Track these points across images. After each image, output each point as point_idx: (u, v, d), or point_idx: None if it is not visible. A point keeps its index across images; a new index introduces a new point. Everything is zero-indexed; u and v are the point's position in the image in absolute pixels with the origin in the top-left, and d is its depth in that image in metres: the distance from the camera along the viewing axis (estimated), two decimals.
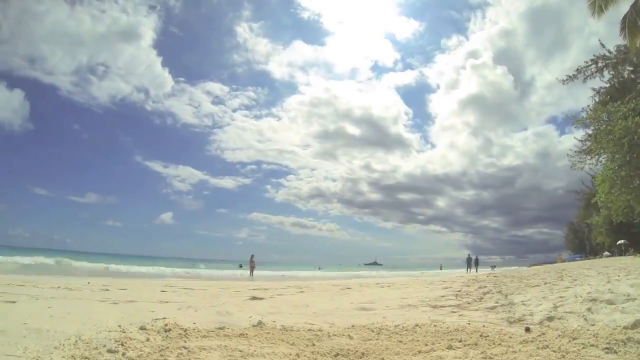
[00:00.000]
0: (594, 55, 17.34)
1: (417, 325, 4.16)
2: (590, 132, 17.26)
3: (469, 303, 5.60)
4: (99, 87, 72.49)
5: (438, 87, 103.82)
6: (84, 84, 73.61)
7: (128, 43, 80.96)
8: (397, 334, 3.76)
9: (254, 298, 7.17)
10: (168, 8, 78.32)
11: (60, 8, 67.93)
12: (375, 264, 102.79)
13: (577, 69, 17.55)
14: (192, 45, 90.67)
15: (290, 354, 2.95)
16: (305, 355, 2.94)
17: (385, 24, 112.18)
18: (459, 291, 7.08)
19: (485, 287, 7.27)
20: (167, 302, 6.05)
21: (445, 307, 5.48)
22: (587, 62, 17.51)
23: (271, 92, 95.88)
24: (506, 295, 5.76)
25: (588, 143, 17.70)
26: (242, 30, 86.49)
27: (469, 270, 30.04)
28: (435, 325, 4.09)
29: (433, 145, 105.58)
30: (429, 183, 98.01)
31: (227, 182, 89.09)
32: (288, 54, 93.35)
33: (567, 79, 17.89)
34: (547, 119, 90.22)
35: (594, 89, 17.90)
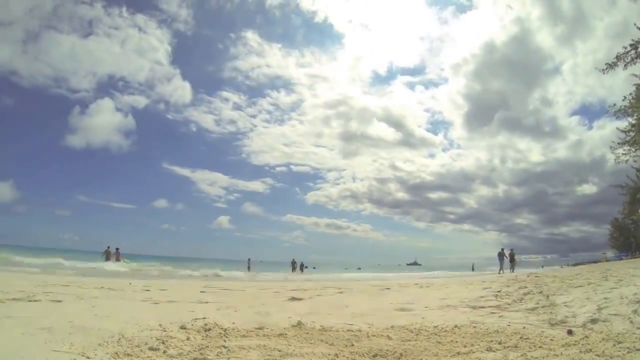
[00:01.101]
0: (633, 40, 16.15)
1: (456, 326, 4.12)
2: (633, 121, 16.17)
3: (508, 304, 5.46)
4: (121, 101, 75.85)
5: (457, 81, 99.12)
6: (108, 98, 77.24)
7: (144, 58, 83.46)
8: (436, 334, 3.75)
9: (293, 299, 7.28)
10: (178, 21, 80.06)
11: (76, 33, 71.64)
12: (415, 264, 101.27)
13: (617, 56, 16.37)
14: (206, 56, 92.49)
15: (329, 354, 2.97)
16: (344, 356, 2.96)
17: (396, 19, 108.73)
18: (498, 291, 6.91)
19: (526, 287, 7.04)
20: (206, 303, 6.19)
21: (484, 307, 5.37)
22: (626, 48, 16.33)
23: (289, 95, 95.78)
24: (547, 296, 5.58)
25: (632, 134, 16.57)
26: (253, 36, 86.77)
27: (502, 271, 23.36)
28: (475, 327, 4.05)
29: (458, 143, 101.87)
30: (457, 181, 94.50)
31: (257, 185, 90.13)
32: (302, 57, 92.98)
33: (606, 68, 16.75)
34: (575, 109, 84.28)
35: (635, 76, 16.66)
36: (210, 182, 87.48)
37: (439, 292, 8.22)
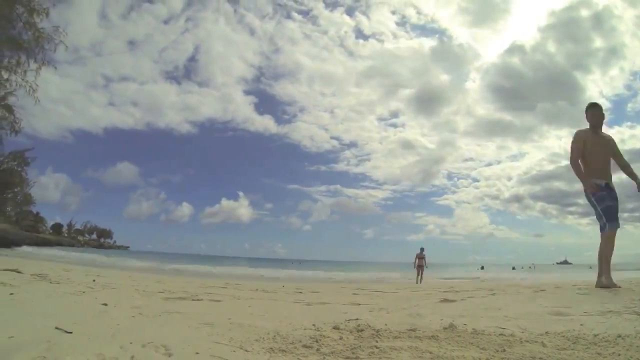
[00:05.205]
0: None
1: (619, 336, 3.69)
2: None
3: None
4: (225, 134, 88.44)
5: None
6: (218, 133, 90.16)
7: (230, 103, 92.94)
8: (595, 344, 3.41)
9: (445, 300, 7.01)
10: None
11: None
12: (565, 262, 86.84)
13: None
14: (282, 91, 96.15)
15: (479, 359, 3.02)
16: None
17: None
18: None
19: None
20: (359, 305, 5.95)
21: None
22: None
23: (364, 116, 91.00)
24: None
25: None
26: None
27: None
28: None
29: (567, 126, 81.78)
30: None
31: (384, 193, 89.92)
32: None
33: None
34: None
35: None
36: (333, 191, 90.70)
37: (598, 294, 7.18)
